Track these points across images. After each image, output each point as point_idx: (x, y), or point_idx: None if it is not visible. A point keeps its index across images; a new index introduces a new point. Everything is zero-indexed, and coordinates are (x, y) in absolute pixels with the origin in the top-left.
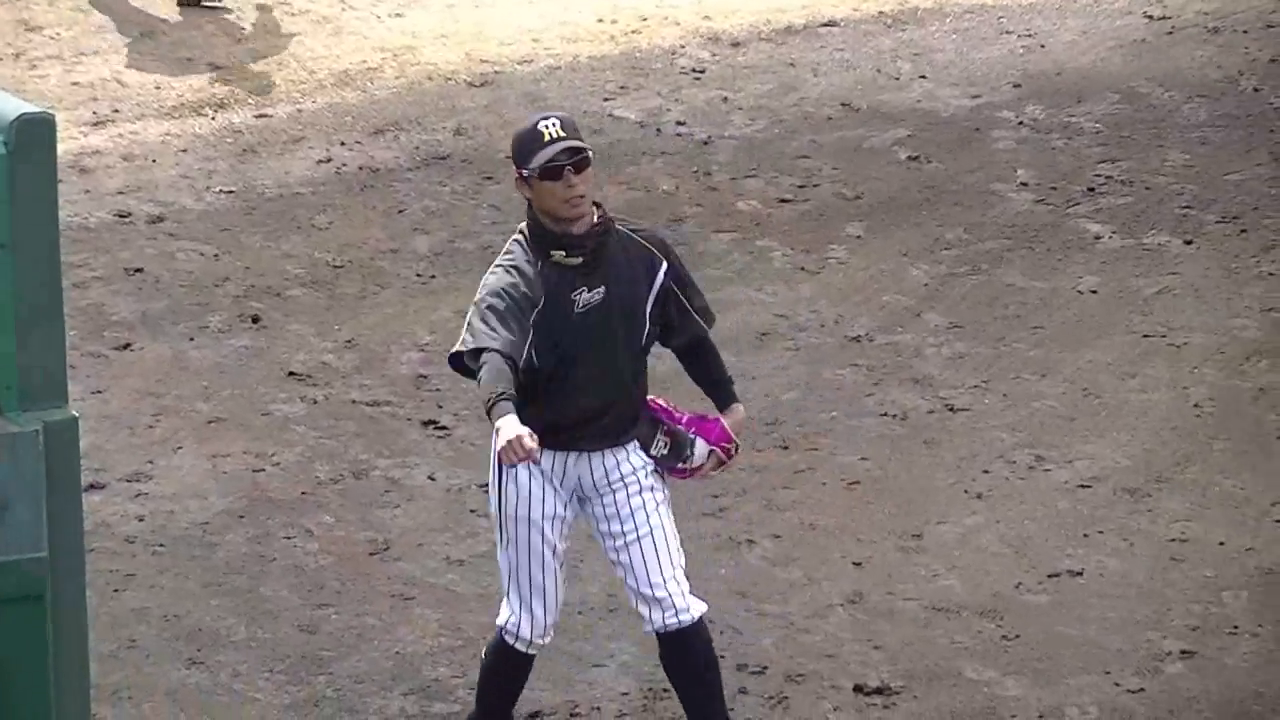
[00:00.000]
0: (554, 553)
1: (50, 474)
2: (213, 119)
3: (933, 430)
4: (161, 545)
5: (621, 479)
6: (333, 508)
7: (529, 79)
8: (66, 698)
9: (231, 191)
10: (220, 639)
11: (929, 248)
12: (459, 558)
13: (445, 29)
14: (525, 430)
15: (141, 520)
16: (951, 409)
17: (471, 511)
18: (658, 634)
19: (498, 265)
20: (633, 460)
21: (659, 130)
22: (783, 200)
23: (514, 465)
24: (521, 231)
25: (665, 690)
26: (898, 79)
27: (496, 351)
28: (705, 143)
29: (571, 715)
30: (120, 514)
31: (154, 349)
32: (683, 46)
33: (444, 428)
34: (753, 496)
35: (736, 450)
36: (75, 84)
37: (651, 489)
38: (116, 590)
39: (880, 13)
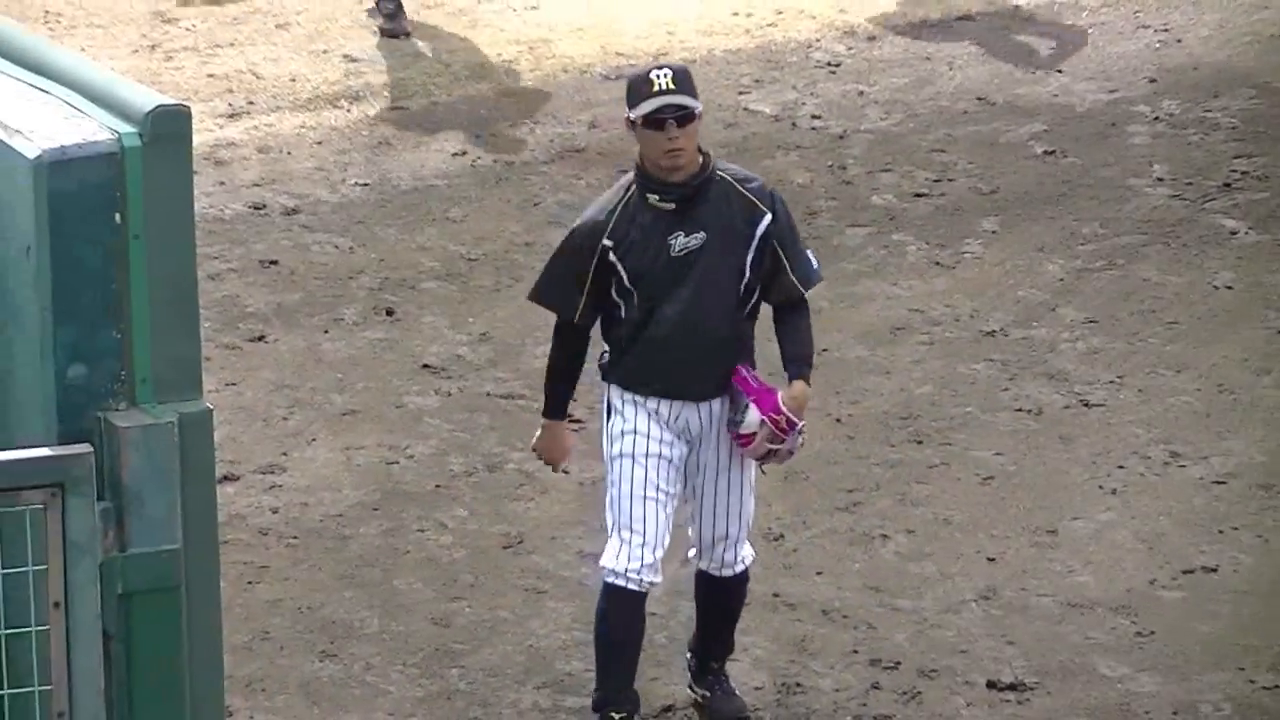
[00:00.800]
0: (658, 493)
1: (184, 466)
2: (348, 111)
3: (1067, 425)
4: (295, 537)
5: (719, 437)
6: (466, 500)
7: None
8: (200, 689)
9: (366, 184)
10: (353, 631)
11: (1064, 242)
12: (592, 551)
13: (581, 22)
14: (560, 457)
15: (275, 512)
16: (1086, 404)
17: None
18: (699, 570)
19: (590, 212)
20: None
21: (794, 124)
22: (918, 194)
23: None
24: (632, 172)
25: (799, 685)
26: (1034, 73)
27: (568, 323)
28: (840, 137)
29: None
30: (254, 506)
31: (288, 341)
32: (818, 40)
33: (578, 420)
34: (887, 491)
35: (790, 426)
36: (211, 76)
37: (741, 457)
38: (250, 582)
39: (1016, 7)
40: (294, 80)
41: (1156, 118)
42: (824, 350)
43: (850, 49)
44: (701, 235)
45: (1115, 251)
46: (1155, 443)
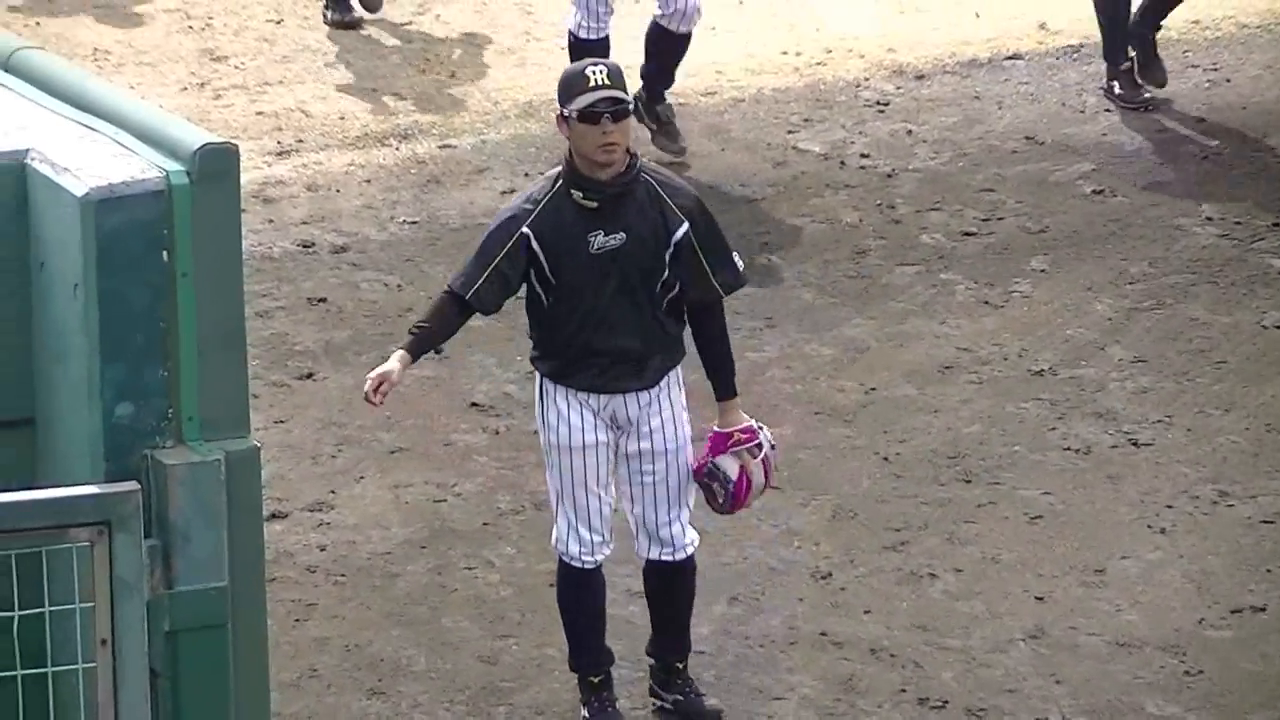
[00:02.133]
0: (602, 478)
1: (231, 503)
2: (397, 149)
3: (1116, 465)
4: (343, 575)
5: (650, 426)
6: (514, 538)
7: (712, 110)
8: None
9: (415, 222)
10: (401, 669)
11: (1113, 281)
12: (639, 590)
13: (629, 61)
14: (382, 377)
15: (323, 550)
16: (1135, 444)
17: None
18: (648, 561)
19: (516, 201)
20: (664, 410)
21: (843, 163)
22: (966, 233)
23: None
24: (560, 166)
25: None
26: (1083, 112)
27: (453, 294)
28: (889, 175)
29: None
30: (302, 544)
31: (337, 379)
32: (867, 79)
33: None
34: (935, 530)
35: (750, 435)
36: (260, 114)
37: (682, 427)
38: (298, 620)
39: (1066, 46)
40: (343, 118)
41: (1205, 157)
42: (872, 389)
43: (899, 88)
44: (621, 236)
45: (1164, 291)
46: (1203, 482)
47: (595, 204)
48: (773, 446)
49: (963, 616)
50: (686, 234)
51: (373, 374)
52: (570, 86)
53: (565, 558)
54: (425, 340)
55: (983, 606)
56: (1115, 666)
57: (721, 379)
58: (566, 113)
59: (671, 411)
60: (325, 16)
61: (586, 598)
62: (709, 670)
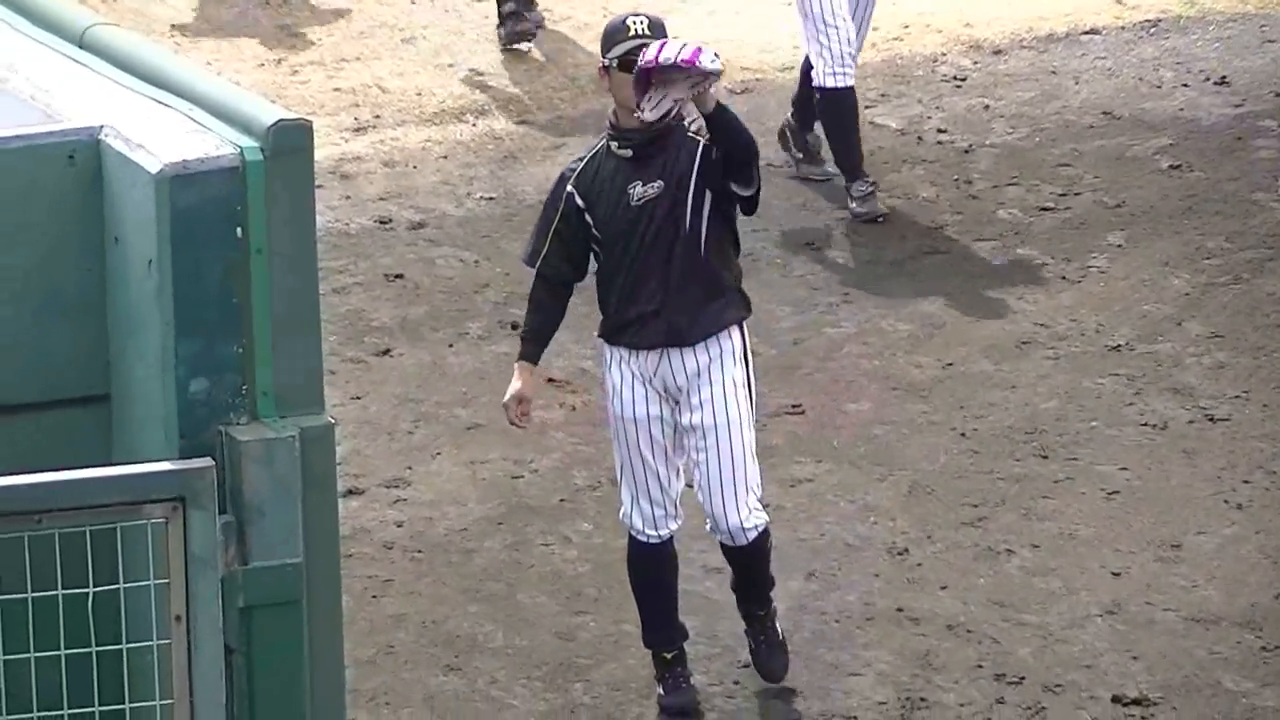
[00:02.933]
0: (660, 451)
1: (306, 480)
2: (474, 125)
3: (1192, 440)
4: (420, 551)
5: (701, 397)
6: (590, 514)
7: (789, 86)
8: (322, 703)
9: (492, 198)
10: (477, 645)
11: (1190, 257)
12: (716, 565)
13: (707, 35)
14: (517, 399)
15: (400, 526)
16: (1211, 419)
17: None
18: (720, 541)
19: (565, 165)
20: (715, 382)
21: (920, 138)
22: (1043, 209)
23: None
24: (608, 129)
25: (923, 700)
26: (1159, 87)
27: (544, 277)
28: (966, 151)
29: None
30: (379, 520)
31: (414, 355)
32: (944, 54)
33: None
34: (1012, 506)
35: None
36: (336, 90)
37: (736, 404)
38: (375, 596)
39: (1143, 21)
40: (420, 94)
41: None
42: (949, 364)
43: (976, 63)
44: (659, 184)
45: (1240, 266)
46: None
47: (630, 152)
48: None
49: (1039, 592)
50: (700, 150)
51: (507, 400)
52: (611, 36)
53: (632, 531)
54: (535, 337)
55: (1059, 582)
56: (1191, 642)
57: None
58: (607, 61)
59: (723, 386)
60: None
61: (654, 572)
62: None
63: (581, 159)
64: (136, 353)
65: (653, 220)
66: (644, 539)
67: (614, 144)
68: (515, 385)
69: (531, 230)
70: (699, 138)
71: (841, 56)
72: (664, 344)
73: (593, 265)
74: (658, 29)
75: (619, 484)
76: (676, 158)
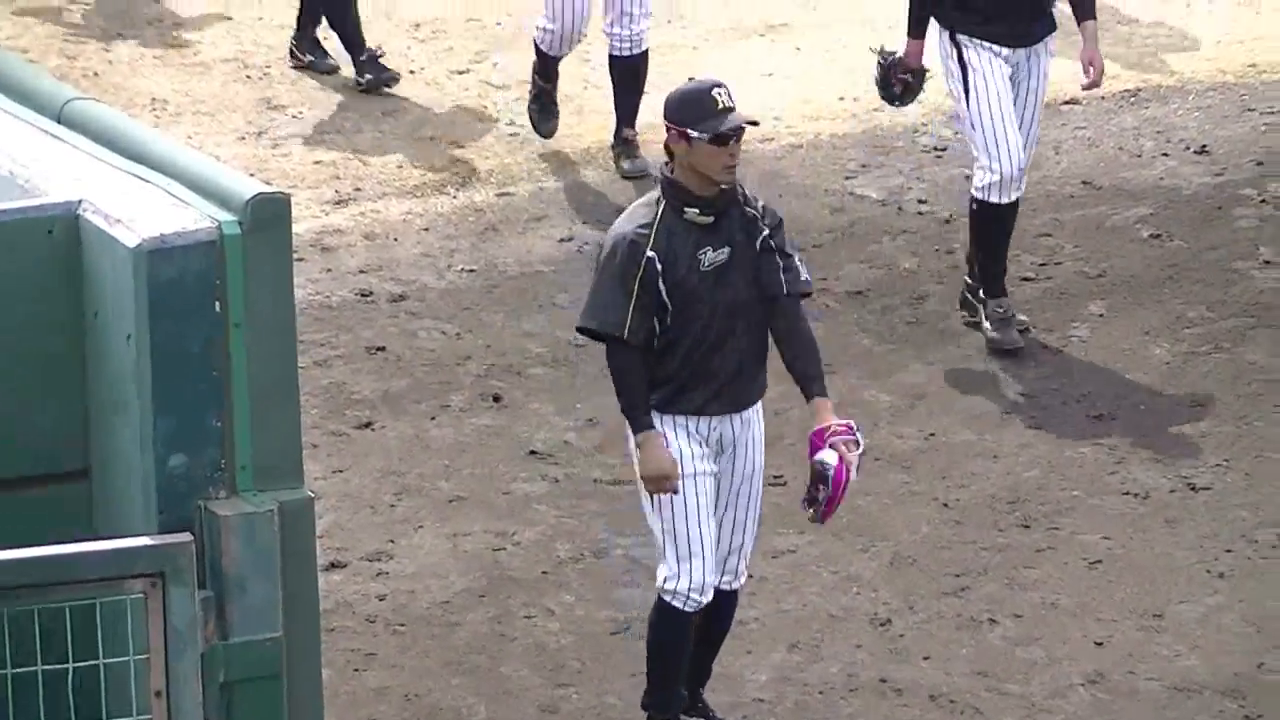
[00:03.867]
0: (708, 510)
1: (285, 554)
2: (454, 197)
3: (1174, 509)
4: (402, 624)
5: (745, 443)
6: (574, 587)
7: (770, 157)
8: None
9: (473, 270)
10: (460, 718)
11: (1171, 326)
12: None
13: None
14: (667, 474)
15: (382, 599)
16: (1193, 488)
17: None
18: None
19: (627, 229)
20: (755, 428)
21: (900, 209)
22: (1025, 278)
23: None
24: (663, 188)
25: None
26: (1139, 156)
27: (624, 342)
28: (947, 221)
29: None
30: (361, 593)
31: (396, 428)
32: (924, 124)
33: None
34: (994, 576)
35: (848, 430)
36: (317, 162)
37: (761, 466)
38: (357, 669)
39: (1123, 90)
40: (400, 167)
41: (1263, 200)
42: (931, 435)
43: (957, 133)
44: (727, 250)
45: (1222, 335)
46: (1263, 526)
47: (711, 218)
48: (859, 446)
49: (1022, 662)
50: (768, 234)
51: (656, 475)
52: (697, 107)
53: (673, 599)
54: (644, 404)
55: (1042, 652)
56: (1175, 712)
57: (810, 375)
58: (694, 134)
59: (761, 430)
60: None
61: (683, 640)
62: (768, 717)
63: (647, 225)
64: (117, 427)
65: (722, 285)
66: (688, 606)
67: (691, 210)
68: (658, 457)
69: (598, 301)
70: (754, 208)
71: (1013, 174)
72: (730, 410)
73: None
74: (733, 97)
75: (662, 550)
76: (737, 223)
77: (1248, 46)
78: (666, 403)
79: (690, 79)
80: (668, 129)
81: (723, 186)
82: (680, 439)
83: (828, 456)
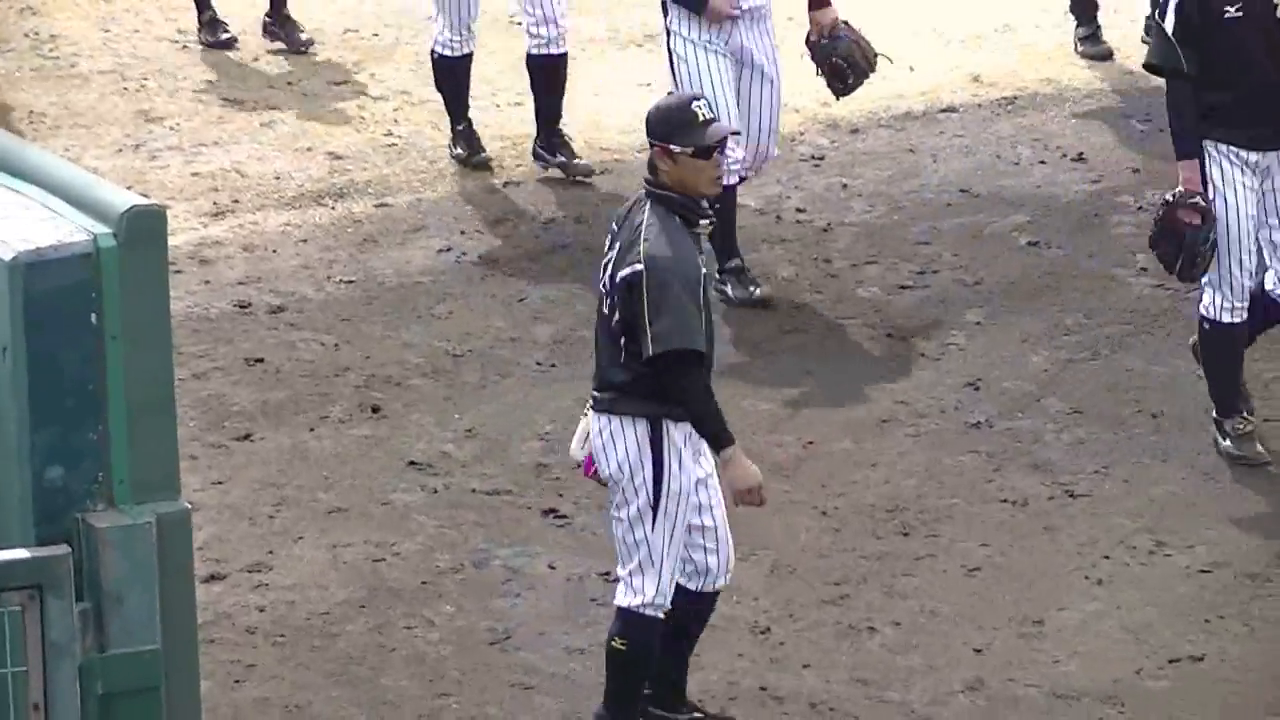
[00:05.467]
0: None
1: (163, 566)
2: (333, 209)
3: (1053, 516)
4: (282, 636)
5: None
6: (453, 597)
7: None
8: None
9: (352, 281)
10: None
11: (1049, 333)
12: (579, 646)
13: (564, 118)
14: (759, 485)
15: (262, 611)
16: (1072, 495)
17: (592, 600)
18: (691, 591)
19: (672, 250)
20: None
21: (779, 217)
22: (902, 286)
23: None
24: (662, 202)
25: None
26: (1017, 164)
27: (696, 354)
28: (825, 230)
29: None
30: (241, 605)
31: (275, 439)
32: (802, 133)
33: (564, 516)
34: (873, 584)
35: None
36: (195, 175)
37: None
38: (238, 681)
39: (1000, 98)
40: (279, 178)
41: (1140, 208)
42: (810, 443)
43: (834, 142)
44: (704, 256)
45: (1099, 342)
46: (1141, 532)
47: (712, 227)
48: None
49: (902, 670)
50: None
51: (755, 487)
52: (681, 122)
53: (654, 611)
54: (721, 415)
55: (921, 659)
56: (1054, 718)
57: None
58: (679, 149)
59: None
60: (200, 38)
61: (656, 655)
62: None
63: (687, 242)
64: None
65: (709, 300)
66: (662, 615)
67: (703, 222)
68: (747, 470)
69: (677, 323)
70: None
71: (1242, 290)
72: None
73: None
74: (710, 107)
75: (652, 568)
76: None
77: (1125, 54)
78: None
79: (669, 93)
80: (651, 146)
81: (708, 196)
82: (686, 455)
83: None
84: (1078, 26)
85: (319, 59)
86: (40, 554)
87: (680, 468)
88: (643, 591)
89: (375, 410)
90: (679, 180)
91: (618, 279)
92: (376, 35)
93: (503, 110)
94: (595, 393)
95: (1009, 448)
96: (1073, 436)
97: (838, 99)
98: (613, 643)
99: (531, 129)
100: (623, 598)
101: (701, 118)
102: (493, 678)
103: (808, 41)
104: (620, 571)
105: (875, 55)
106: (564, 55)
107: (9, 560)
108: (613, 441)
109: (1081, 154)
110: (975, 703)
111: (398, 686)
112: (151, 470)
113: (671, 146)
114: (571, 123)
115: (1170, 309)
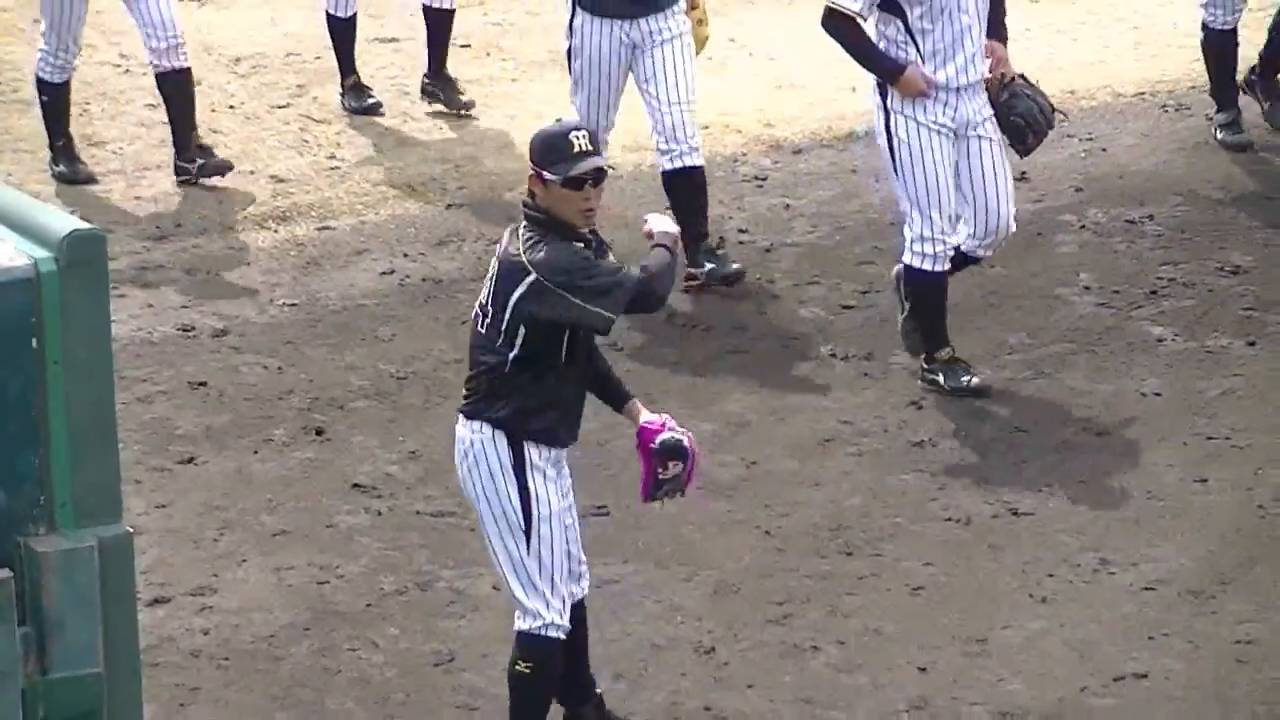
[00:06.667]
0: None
1: (105, 589)
2: (275, 232)
3: (997, 535)
4: (226, 659)
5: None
6: (398, 619)
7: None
8: None
9: (295, 304)
10: None
11: (992, 352)
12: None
13: (507, 139)
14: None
15: (206, 634)
16: (1015, 513)
17: None
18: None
19: (551, 246)
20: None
21: (721, 238)
22: (845, 306)
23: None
24: (537, 223)
25: None
26: None
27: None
28: (767, 250)
29: None
30: (185, 628)
31: (218, 462)
32: (744, 154)
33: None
34: (817, 603)
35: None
36: (138, 198)
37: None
38: (182, 704)
39: None
40: (221, 202)
41: (1083, 226)
42: (753, 463)
43: (776, 163)
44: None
45: (1043, 361)
46: (1085, 550)
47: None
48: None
49: (846, 689)
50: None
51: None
52: (555, 150)
53: (557, 632)
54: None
55: (866, 678)
56: None
57: (621, 387)
58: (550, 177)
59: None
60: (344, 103)
61: (557, 676)
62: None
63: (547, 246)
64: None
65: None
66: (563, 635)
67: (579, 244)
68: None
69: (610, 284)
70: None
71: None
72: (575, 439)
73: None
74: (595, 141)
75: (536, 590)
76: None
77: (1066, 73)
78: (544, 430)
79: (557, 120)
80: (531, 170)
81: (589, 226)
82: (548, 478)
83: (672, 436)
84: (1218, 112)
85: (262, 80)
86: None
87: (547, 490)
88: (536, 614)
89: (319, 433)
90: (549, 208)
91: (512, 301)
92: (319, 58)
93: (444, 131)
94: (464, 398)
95: (952, 467)
96: (1016, 455)
97: (1021, 158)
98: (515, 667)
99: (475, 150)
100: (520, 622)
101: (577, 149)
102: (438, 700)
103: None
104: (507, 592)
105: (1053, 110)
106: (700, 168)
107: None
108: (476, 464)
109: (1024, 173)
110: None
111: (343, 709)
112: (93, 494)
113: (544, 173)
114: (516, 143)
115: (1113, 326)
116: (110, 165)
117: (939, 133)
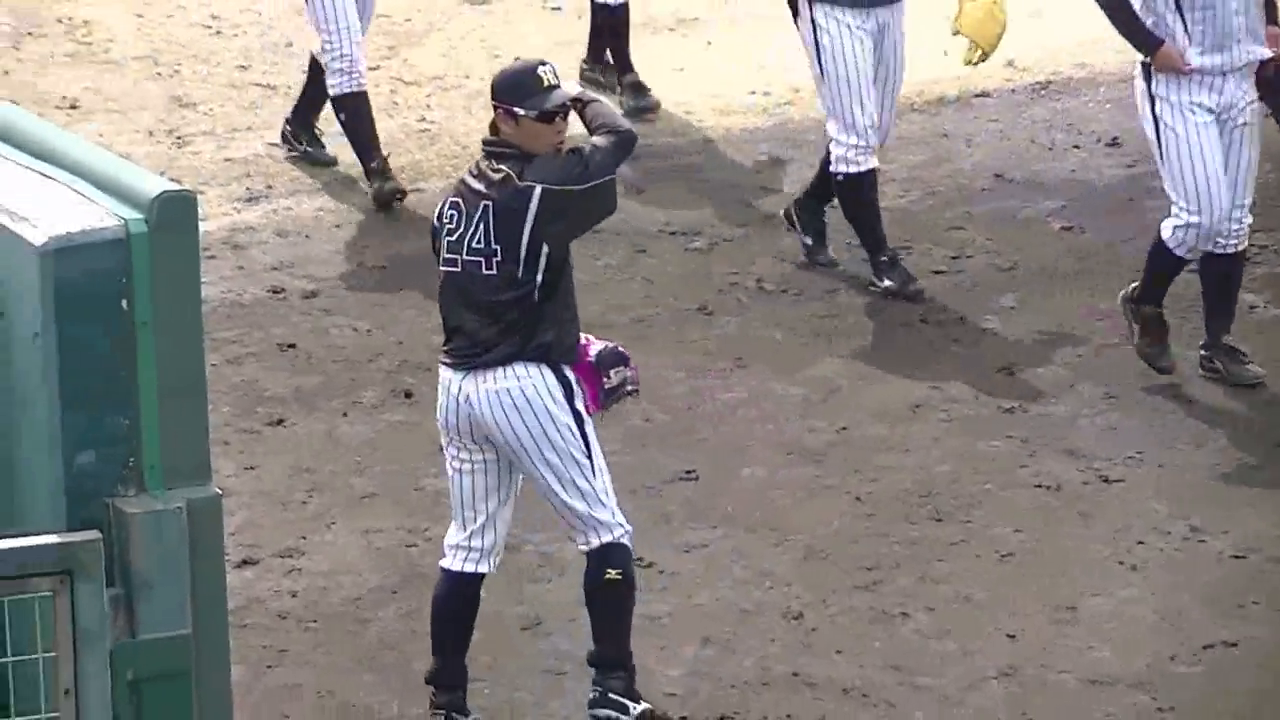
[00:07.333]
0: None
1: (194, 551)
2: (366, 194)
3: (1087, 502)
4: (314, 621)
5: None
6: (485, 582)
7: (681, 152)
8: None
9: (384, 266)
10: (373, 715)
11: (1083, 319)
12: None
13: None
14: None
15: (294, 596)
16: (1106, 480)
17: None
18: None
19: (533, 159)
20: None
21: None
22: (936, 271)
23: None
24: (506, 156)
25: None
26: (1051, 149)
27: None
28: None
29: None
30: (273, 590)
31: (307, 424)
32: None
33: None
34: (907, 569)
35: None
36: (228, 160)
37: None
38: (269, 666)
39: (1034, 83)
40: (312, 163)
41: None
42: (843, 428)
43: None
44: None
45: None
46: (1174, 518)
47: None
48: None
49: (935, 656)
50: None
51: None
52: (524, 86)
53: (628, 537)
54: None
55: (955, 645)
56: (1087, 704)
57: None
58: (522, 111)
59: None
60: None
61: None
62: (681, 711)
63: (535, 160)
64: (24, 425)
65: None
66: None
67: None
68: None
69: (600, 161)
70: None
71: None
72: None
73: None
74: (559, 74)
75: (605, 506)
76: None
77: None
78: (571, 349)
79: (516, 59)
80: (495, 108)
81: None
82: (582, 398)
83: (606, 345)
84: None
85: None
86: (71, 539)
87: (585, 405)
88: (610, 526)
89: (408, 395)
90: (520, 143)
91: (527, 225)
92: (409, 20)
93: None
94: (479, 355)
95: (1043, 433)
96: (1106, 422)
97: None
98: (606, 576)
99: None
100: (595, 539)
101: (546, 83)
102: (524, 663)
103: (1263, 76)
104: (575, 522)
105: None
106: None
107: (39, 545)
108: (529, 407)
109: (1116, 138)
110: (1008, 689)
111: None
112: (182, 456)
113: (516, 109)
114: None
115: None
116: (200, 127)
117: (1203, 119)
